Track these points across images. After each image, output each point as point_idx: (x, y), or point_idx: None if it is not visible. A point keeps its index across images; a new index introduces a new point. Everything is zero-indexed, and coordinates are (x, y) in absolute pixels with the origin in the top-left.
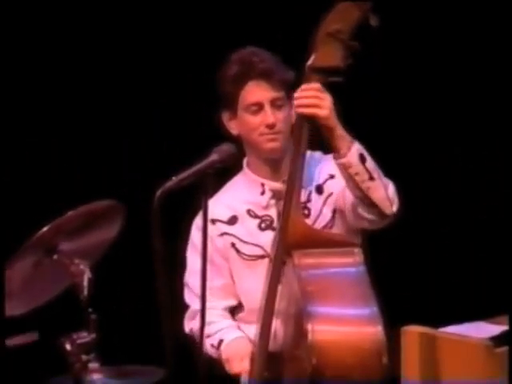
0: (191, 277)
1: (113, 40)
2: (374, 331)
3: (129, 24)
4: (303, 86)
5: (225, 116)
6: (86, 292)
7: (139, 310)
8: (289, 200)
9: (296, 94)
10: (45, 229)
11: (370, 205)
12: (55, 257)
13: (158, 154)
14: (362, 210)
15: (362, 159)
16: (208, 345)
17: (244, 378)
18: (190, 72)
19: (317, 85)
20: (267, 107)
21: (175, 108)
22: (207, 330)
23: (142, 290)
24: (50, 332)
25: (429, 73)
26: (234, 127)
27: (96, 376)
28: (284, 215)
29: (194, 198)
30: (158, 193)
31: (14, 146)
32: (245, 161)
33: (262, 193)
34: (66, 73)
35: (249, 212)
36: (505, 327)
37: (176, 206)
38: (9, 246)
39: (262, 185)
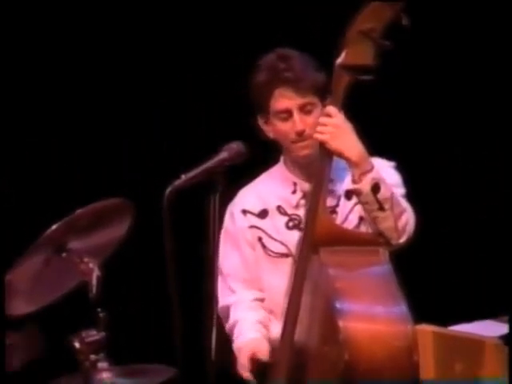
0: (224, 266)
1: (113, 40)
2: (404, 329)
3: (129, 24)
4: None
5: (260, 120)
6: (95, 290)
7: (148, 308)
8: (316, 197)
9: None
10: (54, 227)
11: (377, 232)
12: (64, 255)
13: (168, 152)
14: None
15: (375, 189)
16: (235, 349)
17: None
18: (195, 70)
19: (327, 109)
20: (296, 114)
21: (185, 105)
22: (235, 332)
23: (152, 289)
24: (59, 330)
25: (429, 74)
26: (269, 130)
27: (105, 375)
28: (311, 212)
29: (203, 196)
30: (168, 191)
31: (25, 146)
32: (282, 156)
33: (294, 192)
34: (75, 73)
35: (279, 208)
36: None
37: (186, 204)
38: (18, 244)
39: (295, 184)
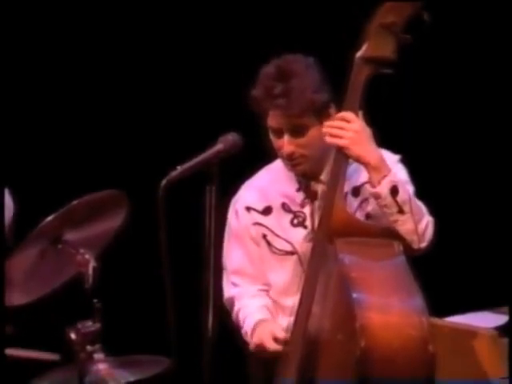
0: (228, 263)
1: (110, 36)
2: (419, 320)
3: (127, 20)
4: (336, 116)
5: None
6: (90, 281)
7: (144, 299)
8: (333, 188)
9: (326, 122)
10: (50, 218)
11: (398, 236)
12: (60, 246)
13: (163, 143)
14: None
15: (394, 192)
16: (243, 334)
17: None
18: (191, 60)
19: (345, 114)
20: (286, 135)
21: (179, 97)
22: (241, 316)
23: (147, 280)
24: (55, 321)
25: (439, 71)
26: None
27: (101, 366)
28: (328, 202)
29: (199, 187)
30: (163, 182)
31: (20, 139)
32: None
33: (298, 189)
34: (70, 66)
35: (283, 206)
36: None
37: (182, 195)
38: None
39: (299, 182)
